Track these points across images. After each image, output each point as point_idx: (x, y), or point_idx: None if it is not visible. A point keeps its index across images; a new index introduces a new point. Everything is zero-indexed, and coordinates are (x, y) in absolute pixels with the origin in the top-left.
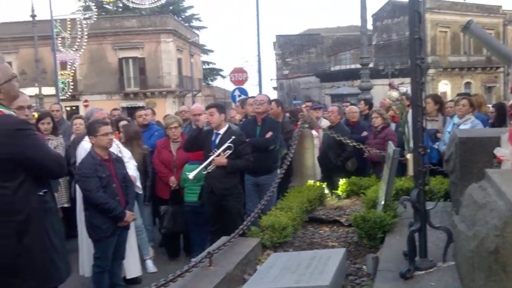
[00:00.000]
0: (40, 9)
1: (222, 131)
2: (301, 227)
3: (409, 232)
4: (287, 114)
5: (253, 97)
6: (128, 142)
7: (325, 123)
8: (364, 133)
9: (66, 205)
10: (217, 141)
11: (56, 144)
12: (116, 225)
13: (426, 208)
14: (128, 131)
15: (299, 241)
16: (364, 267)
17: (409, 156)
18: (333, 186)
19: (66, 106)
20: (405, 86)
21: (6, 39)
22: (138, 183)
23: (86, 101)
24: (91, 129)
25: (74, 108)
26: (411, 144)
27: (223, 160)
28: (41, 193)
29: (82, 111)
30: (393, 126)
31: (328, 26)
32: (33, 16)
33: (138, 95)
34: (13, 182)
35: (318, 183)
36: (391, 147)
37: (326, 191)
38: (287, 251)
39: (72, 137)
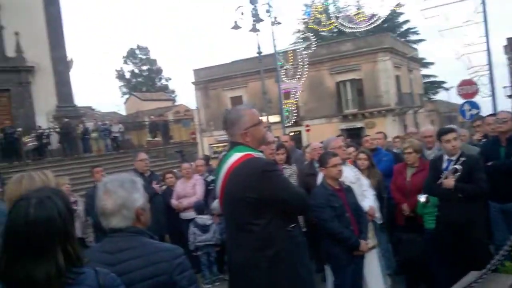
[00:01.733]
0: (264, 44)
1: (455, 157)
2: None
3: None
4: None
5: (492, 115)
6: (369, 168)
7: None
8: None
9: (303, 229)
10: (449, 168)
11: (290, 173)
12: (352, 254)
13: None
14: (370, 157)
15: None
16: None
17: None
18: None
19: (290, 132)
20: None
21: (237, 75)
22: (378, 214)
23: (307, 125)
24: (322, 161)
25: (296, 133)
26: None
27: (450, 182)
28: (289, 229)
29: (304, 136)
30: None
31: None
32: (259, 53)
33: (356, 116)
34: (263, 219)
35: None
36: None
37: None
38: None
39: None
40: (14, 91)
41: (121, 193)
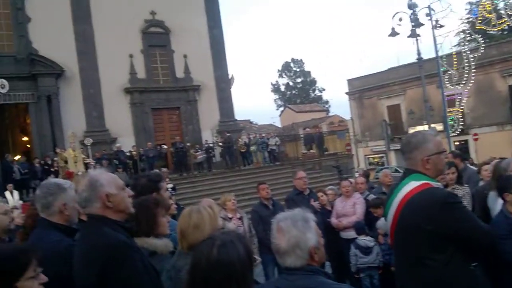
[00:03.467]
0: (425, 49)
1: None
2: None
3: None
4: None
5: None
6: None
7: None
8: None
9: None
10: None
11: (462, 193)
12: None
13: None
14: None
15: None
16: None
17: None
18: None
19: (454, 141)
20: None
21: (394, 83)
22: None
23: (475, 134)
24: (504, 186)
25: (462, 142)
26: None
27: None
28: (472, 267)
29: (472, 146)
30: None
31: None
32: (420, 58)
33: None
34: (442, 255)
35: None
36: None
37: None
38: None
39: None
40: (183, 109)
41: (294, 232)
